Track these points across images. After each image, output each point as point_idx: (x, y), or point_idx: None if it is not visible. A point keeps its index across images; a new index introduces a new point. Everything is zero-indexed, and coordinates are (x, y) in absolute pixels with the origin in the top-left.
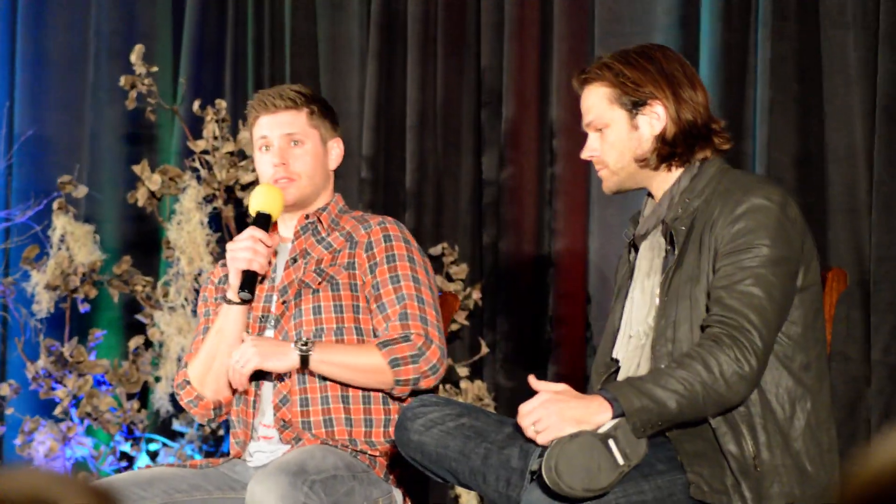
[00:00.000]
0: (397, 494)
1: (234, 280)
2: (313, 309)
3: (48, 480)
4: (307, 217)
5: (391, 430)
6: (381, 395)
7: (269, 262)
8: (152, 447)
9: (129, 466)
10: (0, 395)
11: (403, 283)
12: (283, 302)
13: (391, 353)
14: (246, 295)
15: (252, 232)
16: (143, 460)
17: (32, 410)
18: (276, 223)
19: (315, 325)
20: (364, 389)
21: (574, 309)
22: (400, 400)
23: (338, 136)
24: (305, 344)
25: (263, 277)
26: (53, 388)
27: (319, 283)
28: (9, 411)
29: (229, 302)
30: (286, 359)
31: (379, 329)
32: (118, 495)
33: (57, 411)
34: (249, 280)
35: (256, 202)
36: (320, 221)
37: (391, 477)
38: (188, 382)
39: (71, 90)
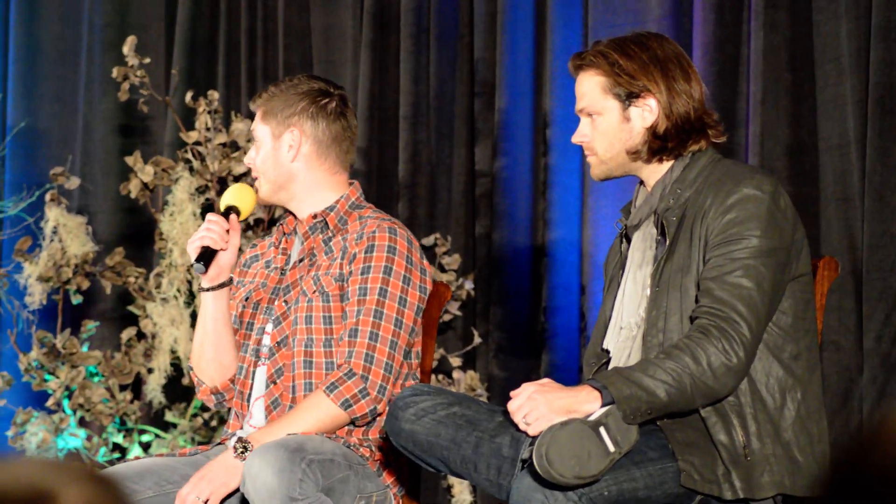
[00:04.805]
0: (391, 496)
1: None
2: (306, 318)
3: (46, 470)
4: (315, 217)
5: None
6: None
7: (239, 245)
8: (145, 438)
9: (122, 458)
10: None
11: (367, 297)
12: (285, 302)
13: (340, 397)
14: (200, 267)
15: (209, 216)
16: (135, 452)
17: (25, 402)
18: (291, 218)
19: (307, 333)
20: None
21: (568, 299)
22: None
23: (293, 125)
24: (245, 450)
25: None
26: (46, 380)
27: (314, 293)
28: (1, 403)
29: (200, 289)
30: (234, 477)
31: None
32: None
33: (49, 403)
34: (204, 255)
35: (225, 197)
36: (326, 223)
37: (384, 473)
38: (191, 368)
39: (64, 82)
